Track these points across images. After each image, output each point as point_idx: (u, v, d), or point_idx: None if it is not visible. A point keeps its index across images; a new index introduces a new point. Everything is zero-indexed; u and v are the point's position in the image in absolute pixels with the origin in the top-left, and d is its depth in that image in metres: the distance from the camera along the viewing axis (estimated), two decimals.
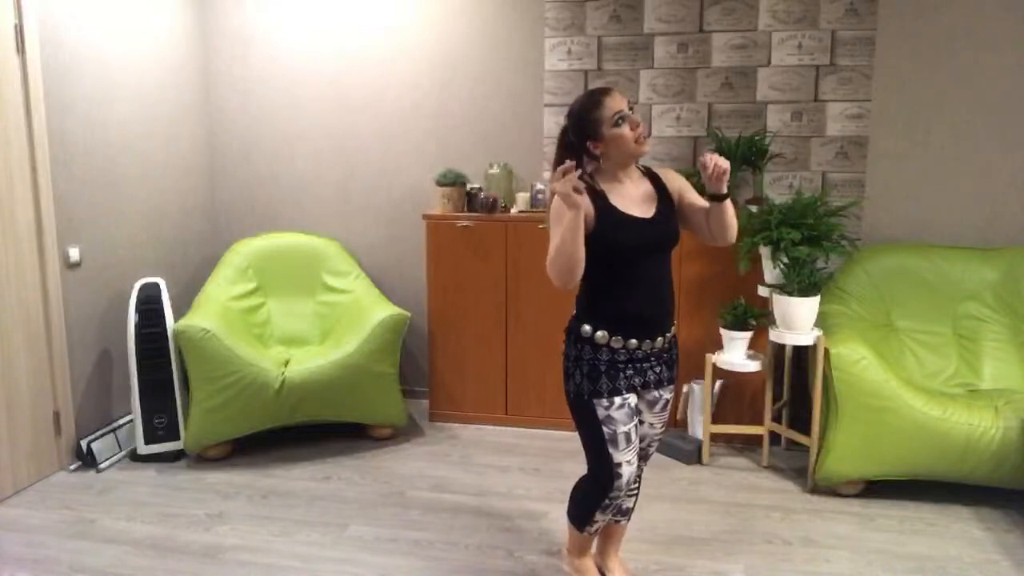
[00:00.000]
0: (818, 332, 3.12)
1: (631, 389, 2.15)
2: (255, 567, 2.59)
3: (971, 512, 2.94)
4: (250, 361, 3.26)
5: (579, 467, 2.29)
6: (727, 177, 2.05)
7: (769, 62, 3.66)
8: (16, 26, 3.01)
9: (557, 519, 2.89)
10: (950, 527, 2.84)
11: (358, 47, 4.03)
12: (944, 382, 3.25)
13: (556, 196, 2.06)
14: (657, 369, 2.20)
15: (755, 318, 3.25)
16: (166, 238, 3.92)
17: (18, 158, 3.05)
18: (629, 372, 2.14)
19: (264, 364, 3.29)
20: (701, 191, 2.18)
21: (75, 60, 3.31)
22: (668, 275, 2.18)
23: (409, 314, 3.58)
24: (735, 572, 2.56)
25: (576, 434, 2.22)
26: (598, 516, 2.24)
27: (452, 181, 3.75)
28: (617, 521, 2.43)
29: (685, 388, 3.52)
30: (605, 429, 2.12)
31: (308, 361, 3.37)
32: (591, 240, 2.01)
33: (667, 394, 2.27)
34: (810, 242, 3.12)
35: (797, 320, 3.09)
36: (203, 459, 3.40)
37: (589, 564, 2.43)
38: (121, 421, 3.57)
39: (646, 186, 2.18)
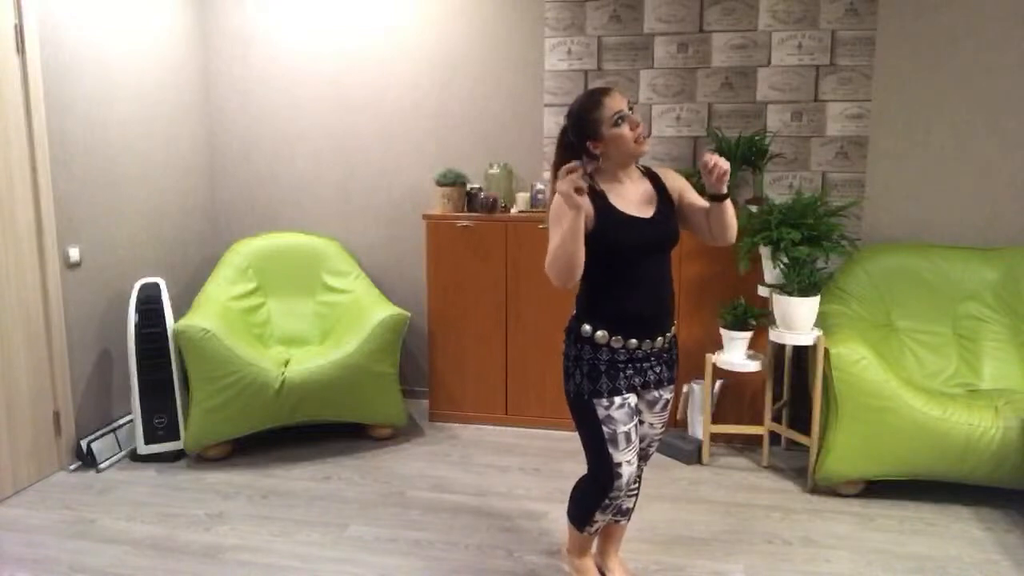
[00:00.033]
0: (818, 332, 3.12)
1: (631, 389, 2.15)
2: (255, 567, 2.59)
3: (971, 512, 2.94)
4: (250, 361, 3.26)
5: (579, 467, 2.29)
6: (727, 178, 2.04)
7: (769, 62, 3.66)
8: (16, 26, 3.01)
9: (557, 519, 2.89)
10: (950, 527, 2.84)
11: (358, 47, 4.03)
12: (944, 382, 3.25)
13: (556, 196, 2.06)
14: (657, 369, 2.20)
15: (755, 318, 3.25)
16: (166, 238, 3.92)
17: (18, 158, 3.05)
18: (629, 372, 2.14)
19: (264, 364, 3.29)
20: (701, 191, 2.18)
21: (75, 60, 3.31)
22: (668, 275, 2.18)
23: (409, 314, 3.58)
24: (735, 572, 2.56)
25: (576, 434, 2.22)
26: (598, 516, 2.24)
27: (452, 181, 3.75)
28: (617, 521, 2.43)
29: (685, 388, 3.52)
30: (605, 429, 2.12)
31: (308, 361, 3.37)
32: (591, 240, 2.01)
33: (667, 394, 2.27)
34: (810, 242, 3.12)
35: (797, 320, 3.09)
36: (203, 459, 3.40)
37: (589, 564, 2.43)
38: (121, 421, 3.57)
39: (646, 186, 2.18)
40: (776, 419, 3.42)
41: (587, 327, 2.13)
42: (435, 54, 3.97)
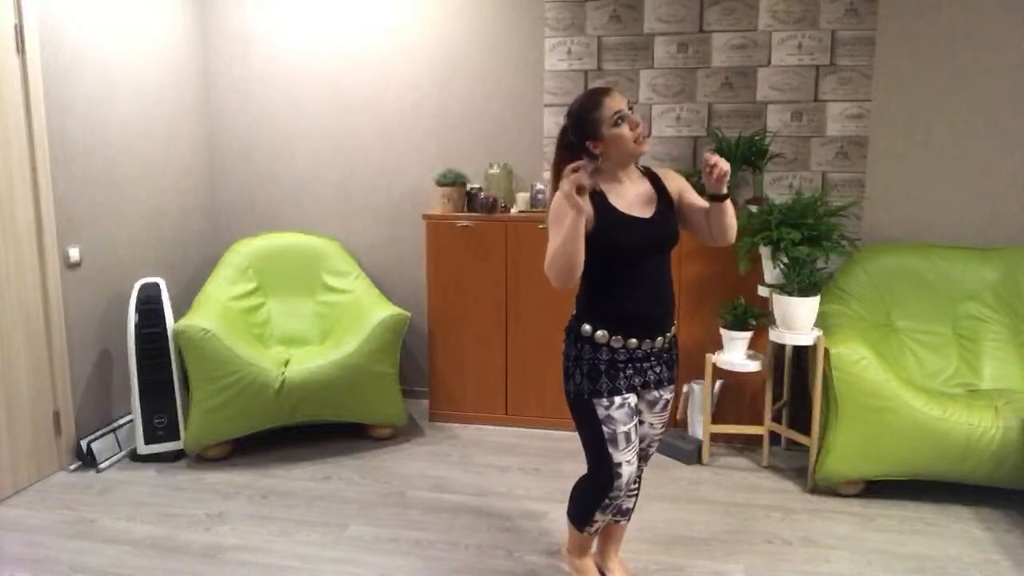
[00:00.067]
0: (818, 332, 3.12)
1: (631, 389, 2.15)
2: (255, 567, 2.59)
3: (971, 512, 2.94)
4: (250, 361, 3.26)
5: (579, 467, 2.29)
6: (727, 179, 2.04)
7: (769, 62, 3.66)
8: (16, 26, 3.01)
9: (557, 519, 2.89)
10: (950, 527, 2.84)
11: (358, 47, 4.03)
12: (944, 382, 3.25)
13: (556, 196, 2.06)
14: (657, 369, 2.20)
15: (755, 318, 3.25)
16: (166, 238, 3.92)
17: (18, 158, 3.05)
18: (629, 372, 2.14)
19: (264, 364, 3.29)
20: (701, 191, 2.18)
21: (75, 60, 3.31)
22: (668, 275, 2.18)
23: (409, 314, 3.58)
24: (735, 572, 2.56)
25: (576, 434, 2.22)
26: (598, 516, 2.24)
27: (452, 181, 3.75)
28: (617, 521, 2.43)
29: (685, 388, 3.52)
30: (605, 429, 2.12)
31: (308, 361, 3.37)
32: (591, 240, 2.01)
33: (667, 394, 2.27)
34: (810, 242, 3.11)
35: (797, 320, 3.09)
36: (203, 459, 3.40)
37: (589, 564, 2.43)
38: (121, 421, 3.57)
39: (645, 186, 2.18)
40: (776, 419, 3.42)
41: (587, 327, 2.13)
42: (435, 54, 3.97)
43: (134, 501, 3.06)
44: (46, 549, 2.70)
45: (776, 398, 3.48)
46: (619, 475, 2.13)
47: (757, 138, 3.55)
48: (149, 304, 3.38)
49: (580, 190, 1.85)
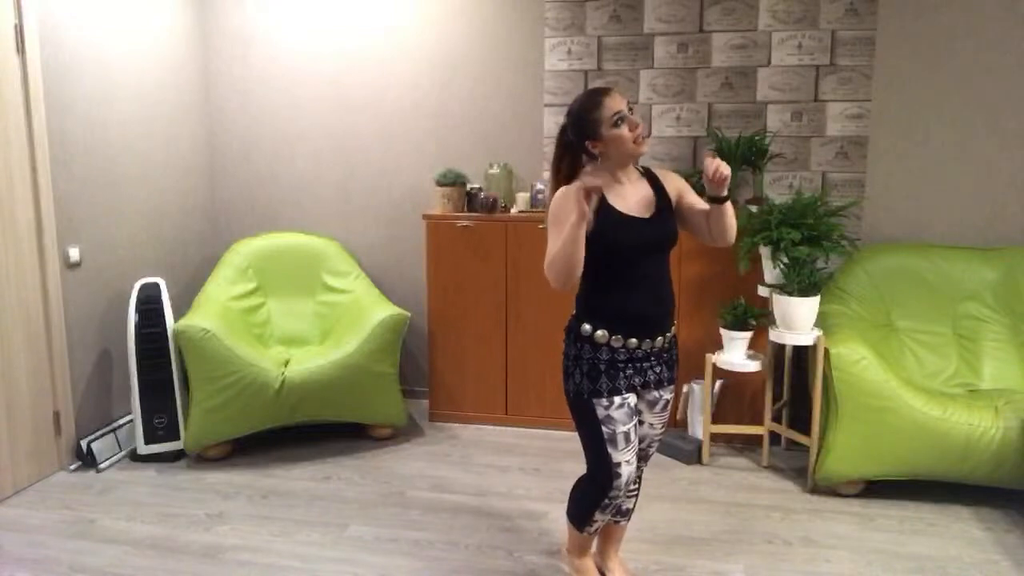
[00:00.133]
0: (818, 332, 3.11)
1: (631, 389, 2.15)
2: (255, 567, 2.59)
3: (971, 512, 2.94)
4: (250, 361, 3.26)
5: (579, 467, 2.29)
6: (728, 182, 2.04)
7: (769, 62, 3.66)
8: (16, 26, 3.01)
9: (557, 519, 2.89)
10: (950, 527, 2.84)
11: (358, 47, 4.03)
12: (944, 382, 3.24)
13: (555, 198, 2.07)
14: (657, 369, 2.20)
15: (755, 318, 3.25)
16: (166, 238, 3.92)
17: (18, 158, 3.05)
18: (629, 372, 2.14)
19: (264, 364, 3.29)
20: (701, 191, 2.18)
21: (75, 60, 3.31)
22: (668, 275, 2.18)
23: (409, 314, 3.58)
24: (735, 572, 2.56)
25: (576, 434, 2.22)
26: (597, 516, 2.24)
27: (452, 181, 3.75)
28: (617, 522, 2.43)
29: (685, 388, 3.52)
30: (604, 429, 2.12)
31: (308, 361, 3.37)
32: (590, 240, 2.01)
33: (667, 394, 2.27)
34: (810, 242, 3.11)
35: (797, 320, 3.09)
36: (203, 459, 3.40)
37: (589, 564, 2.43)
38: (121, 421, 3.57)
39: (644, 186, 2.18)
40: (776, 419, 3.42)
41: (587, 326, 2.13)
42: (435, 54, 3.96)
43: (134, 501, 3.06)
44: (46, 549, 2.70)
45: (776, 398, 3.48)
46: (618, 475, 2.13)
47: (757, 138, 3.55)
48: (149, 304, 3.38)
49: (588, 195, 1.86)
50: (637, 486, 2.43)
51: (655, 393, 2.24)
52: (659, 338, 2.16)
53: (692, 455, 3.39)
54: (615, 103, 2.05)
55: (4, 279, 3.01)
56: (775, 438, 3.51)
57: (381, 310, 3.52)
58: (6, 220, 3.01)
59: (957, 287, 3.37)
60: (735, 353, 3.27)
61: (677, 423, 3.56)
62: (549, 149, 3.70)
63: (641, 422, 2.27)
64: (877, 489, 3.05)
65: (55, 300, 3.22)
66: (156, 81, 3.80)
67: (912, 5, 3.50)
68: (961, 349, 3.31)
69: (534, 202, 3.74)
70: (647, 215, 2.12)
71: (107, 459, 3.38)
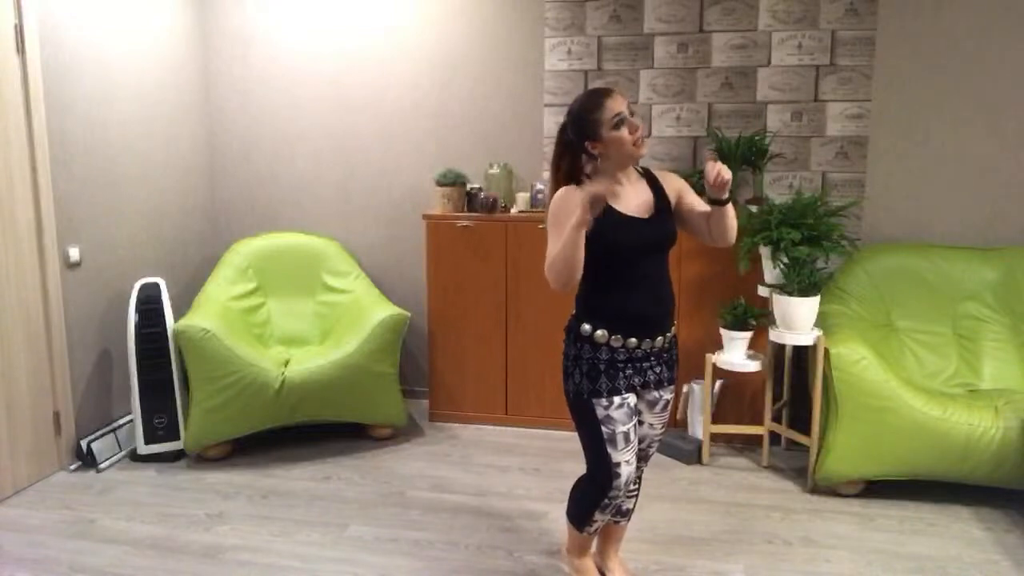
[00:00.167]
0: (818, 332, 3.11)
1: (630, 389, 2.15)
2: (255, 567, 2.59)
3: (971, 512, 2.94)
4: (250, 361, 3.26)
5: (579, 467, 2.29)
6: (729, 185, 2.04)
7: (769, 62, 3.66)
8: (16, 26, 3.01)
9: (557, 519, 2.89)
10: (950, 527, 2.84)
11: (358, 47, 4.03)
12: (944, 382, 3.24)
13: (555, 198, 2.07)
14: (657, 369, 2.20)
15: (755, 318, 3.25)
16: (166, 238, 3.92)
17: (18, 158, 3.05)
18: (629, 372, 2.14)
19: (264, 364, 3.29)
20: (701, 192, 2.18)
21: (75, 60, 3.31)
22: (667, 275, 2.18)
23: (409, 314, 3.58)
24: (735, 572, 2.56)
25: (576, 434, 2.22)
26: (597, 516, 2.24)
27: (452, 181, 3.75)
28: (616, 522, 2.43)
29: (685, 388, 3.52)
30: (604, 429, 2.12)
31: (308, 361, 3.37)
32: (590, 240, 2.01)
33: (667, 394, 2.27)
34: (810, 242, 3.11)
35: (797, 320, 3.09)
36: (203, 459, 3.40)
37: (589, 564, 2.43)
38: (121, 421, 3.57)
39: (644, 187, 2.18)
40: (776, 419, 3.42)
41: (587, 326, 2.13)
42: (435, 54, 3.96)
43: (134, 501, 3.06)
44: (46, 549, 2.70)
45: (776, 398, 3.48)
46: (618, 475, 2.13)
47: (757, 138, 3.54)
48: (149, 304, 3.38)
49: (593, 203, 1.86)
50: (637, 486, 2.43)
51: (655, 393, 2.24)
52: (659, 338, 2.16)
53: (692, 455, 3.39)
54: (616, 104, 2.05)
55: (4, 279, 3.01)
56: (775, 438, 3.51)
57: (381, 310, 3.52)
58: (6, 220, 3.01)
59: (957, 287, 3.37)
60: (735, 353, 3.27)
61: (677, 423, 3.55)
62: (549, 149, 3.70)
63: (641, 422, 2.27)
64: (877, 489, 3.05)
65: (55, 300, 3.22)
66: (156, 81, 3.80)
67: (912, 5, 3.50)
68: (961, 349, 3.31)
69: (534, 202, 3.74)
70: (646, 216, 2.12)
71: (107, 459, 3.39)
